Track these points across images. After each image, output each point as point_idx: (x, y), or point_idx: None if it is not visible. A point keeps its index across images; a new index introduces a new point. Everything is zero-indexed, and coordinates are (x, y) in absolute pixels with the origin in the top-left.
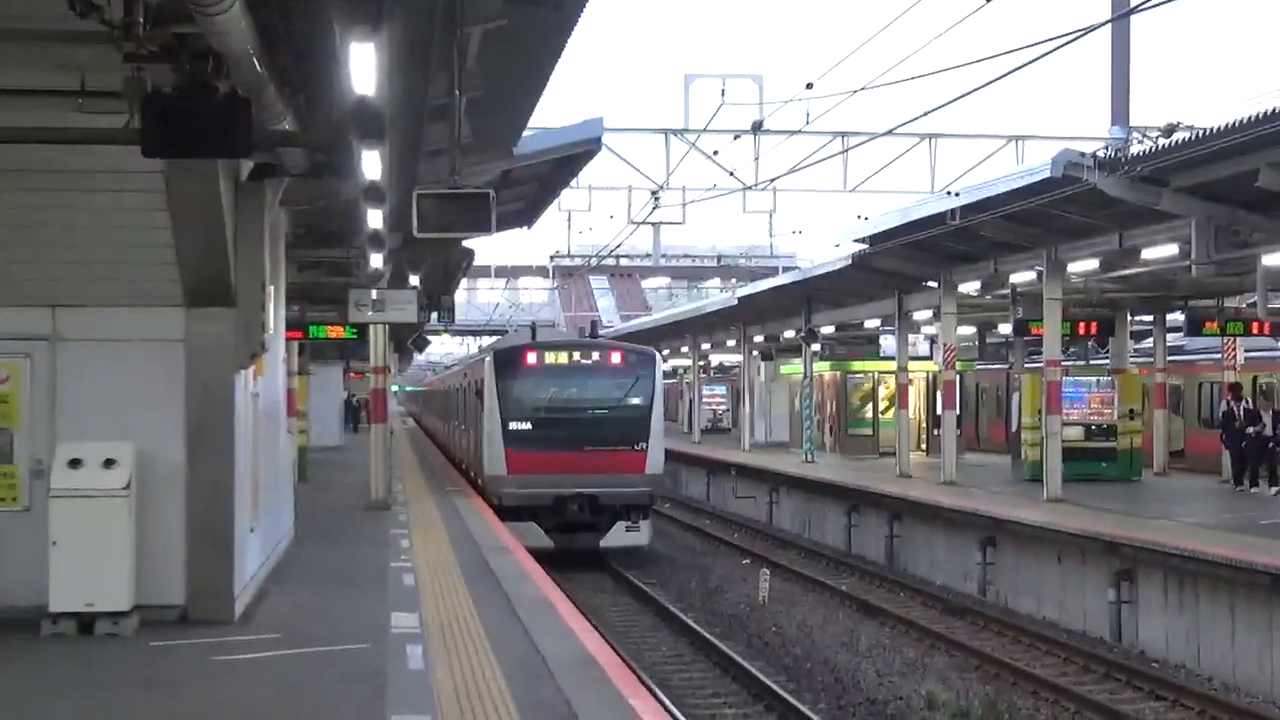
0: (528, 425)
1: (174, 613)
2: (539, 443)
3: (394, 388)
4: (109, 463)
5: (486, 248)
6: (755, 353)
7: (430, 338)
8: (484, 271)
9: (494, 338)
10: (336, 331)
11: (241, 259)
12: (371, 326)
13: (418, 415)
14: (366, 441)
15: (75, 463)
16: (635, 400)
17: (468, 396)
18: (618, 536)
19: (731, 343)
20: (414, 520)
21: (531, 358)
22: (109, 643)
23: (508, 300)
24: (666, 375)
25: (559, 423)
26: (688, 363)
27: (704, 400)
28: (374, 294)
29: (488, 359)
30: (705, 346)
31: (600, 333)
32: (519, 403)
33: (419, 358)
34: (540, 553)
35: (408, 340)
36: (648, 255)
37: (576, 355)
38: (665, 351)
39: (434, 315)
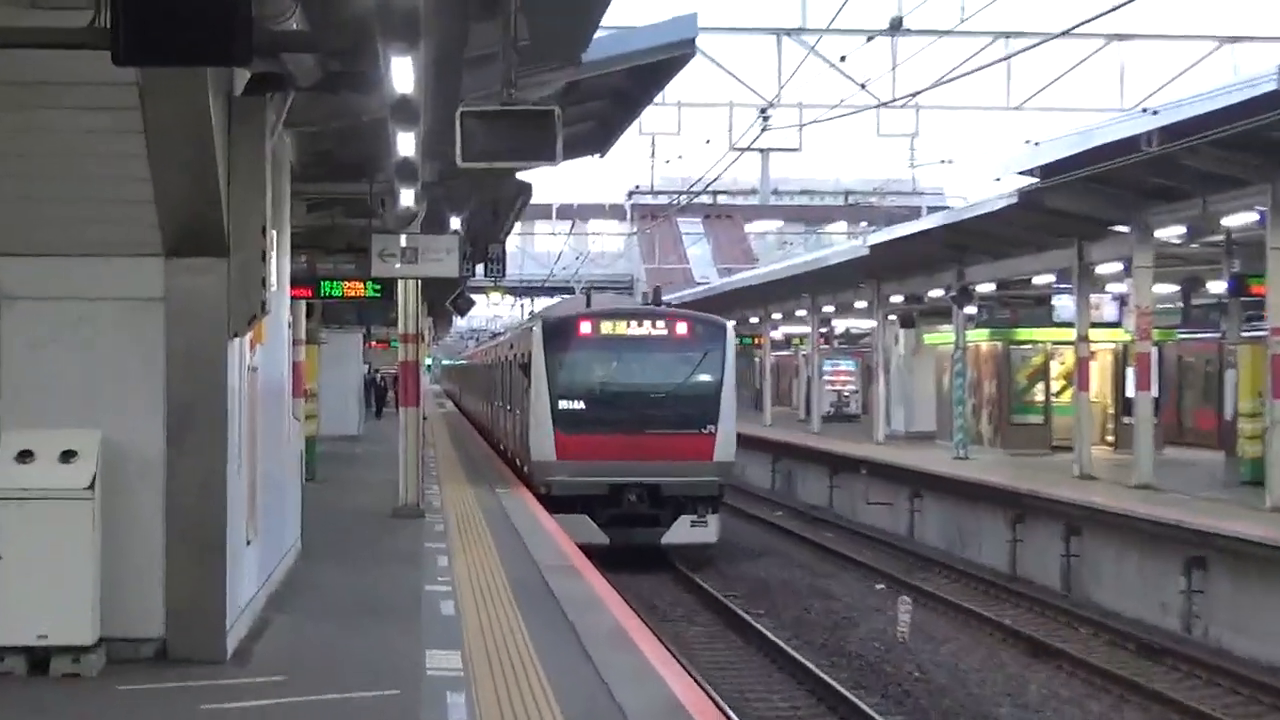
0: (580, 404)
1: (149, 647)
2: (593, 424)
3: (427, 361)
4: (68, 455)
5: (547, 182)
6: (892, 317)
7: (474, 297)
8: (543, 212)
9: (555, 298)
10: (355, 289)
11: (236, 196)
12: (400, 283)
13: (455, 395)
14: (392, 429)
15: (25, 455)
16: (704, 377)
17: (512, 371)
18: (682, 532)
19: (862, 304)
20: (454, 529)
21: (585, 328)
22: (67, 685)
23: (573, 249)
24: (776, 346)
25: (616, 402)
26: (805, 330)
27: (826, 379)
28: (403, 241)
29: (535, 329)
30: (827, 309)
31: (677, 296)
32: (570, 378)
33: (459, 323)
34: (593, 550)
35: (447, 300)
36: (753, 191)
37: (636, 325)
38: (776, 316)
39: (480, 268)
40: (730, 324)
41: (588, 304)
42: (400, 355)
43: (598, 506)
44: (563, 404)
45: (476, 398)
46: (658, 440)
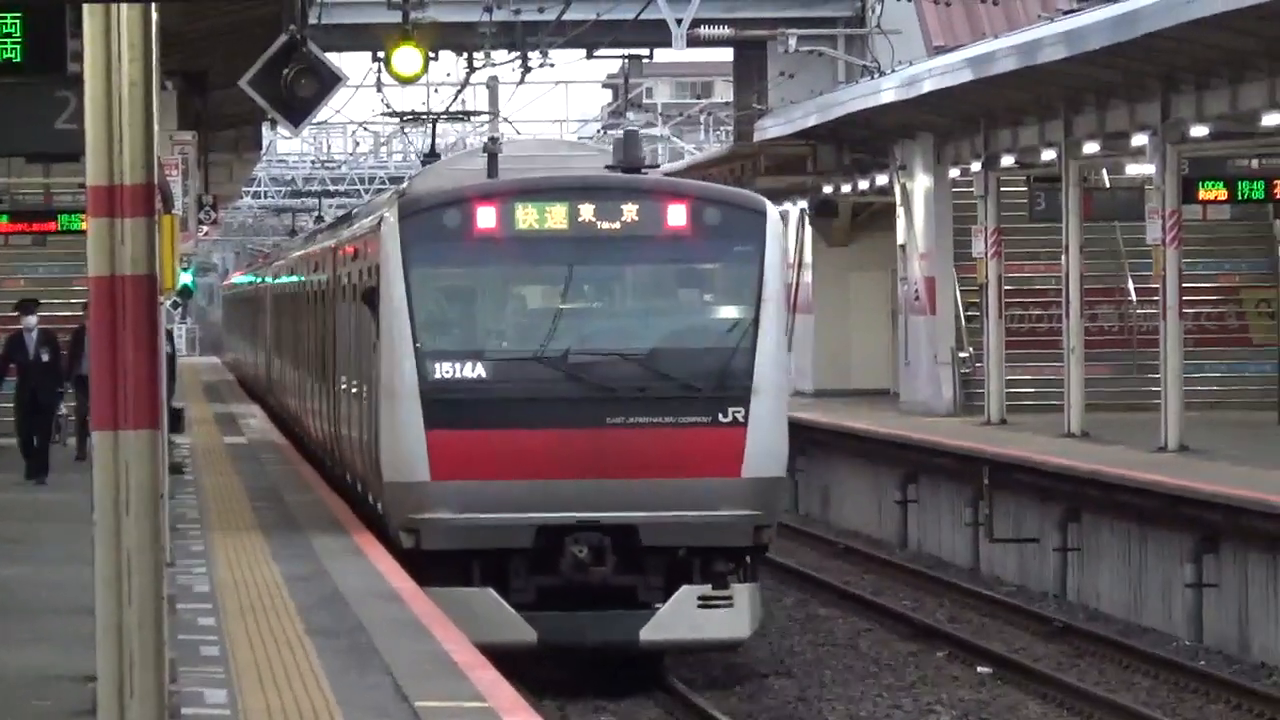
0: (477, 371)
1: None
2: (500, 410)
3: (185, 278)
4: None
5: None
6: None
7: (337, 63)
8: None
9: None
10: None
11: None
12: (87, 13)
13: (263, 381)
14: (70, 513)
15: None
16: (721, 313)
17: (345, 307)
18: (683, 617)
19: None
20: None
21: (485, 216)
22: None
23: None
24: None
25: (548, 365)
26: None
27: None
28: None
29: (387, 218)
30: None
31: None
32: (456, 319)
33: (287, 147)
34: (507, 654)
35: (247, 77)
36: None
37: (589, 211)
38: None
39: None
40: (770, 205)
41: (491, 170)
42: (91, 261)
43: (515, 570)
44: (440, 370)
45: (289, 364)
46: (633, 439)
